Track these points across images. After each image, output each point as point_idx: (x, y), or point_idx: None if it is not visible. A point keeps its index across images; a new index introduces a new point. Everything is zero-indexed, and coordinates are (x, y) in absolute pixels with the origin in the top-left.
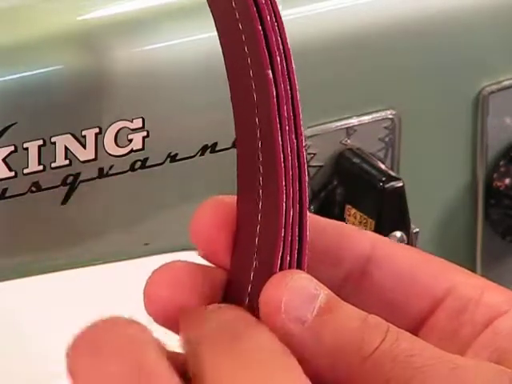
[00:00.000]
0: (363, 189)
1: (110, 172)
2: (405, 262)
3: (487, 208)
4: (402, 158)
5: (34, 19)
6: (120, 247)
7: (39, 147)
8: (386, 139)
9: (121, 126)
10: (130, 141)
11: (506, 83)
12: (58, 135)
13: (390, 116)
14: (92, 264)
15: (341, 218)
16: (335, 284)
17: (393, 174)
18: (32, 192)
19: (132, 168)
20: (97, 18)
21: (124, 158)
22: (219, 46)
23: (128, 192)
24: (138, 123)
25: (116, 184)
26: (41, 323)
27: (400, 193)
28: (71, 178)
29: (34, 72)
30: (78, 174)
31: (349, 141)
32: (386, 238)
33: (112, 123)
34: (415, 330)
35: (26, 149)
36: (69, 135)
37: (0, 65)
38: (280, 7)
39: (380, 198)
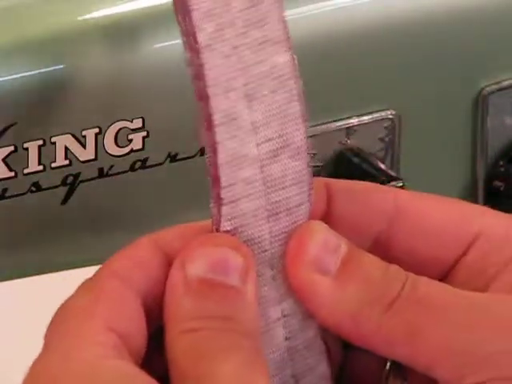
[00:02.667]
0: None
1: (110, 172)
2: (429, 214)
3: None
4: (402, 158)
5: (34, 19)
6: (120, 247)
7: (39, 147)
8: (386, 139)
9: (121, 126)
10: (130, 141)
11: (506, 83)
12: (57, 135)
13: (390, 116)
14: (92, 264)
15: None
16: (364, 248)
17: (393, 174)
18: (32, 192)
19: (132, 168)
20: (97, 18)
21: (124, 157)
22: None
23: (128, 192)
24: (137, 123)
25: (116, 184)
26: (41, 323)
27: None
28: (71, 178)
29: (34, 72)
30: (78, 174)
31: (349, 141)
32: (407, 192)
33: (112, 123)
34: (445, 275)
35: (26, 149)
36: (69, 135)
37: (0, 65)
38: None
39: None
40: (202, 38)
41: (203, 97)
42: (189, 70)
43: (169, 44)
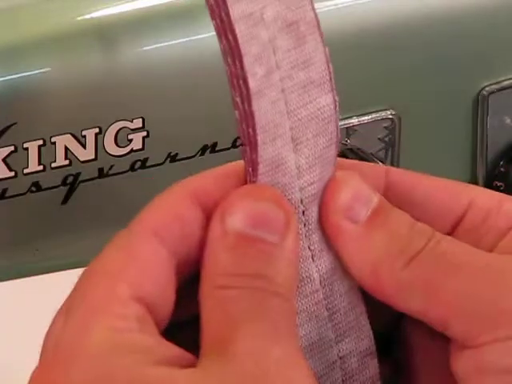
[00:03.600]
0: None
1: (110, 172)
2: (419, 187)
3: None
4: (401, 158)
5: (34, 19)
6: None
7: (39, 147)
8: (386, 139)
9: (121, 126)
10: (130, 141)
11: (506, 83)
12: (57, 135)
13: (390, 116)
14: None
15: None
16: None
17: None
18: (32, 192)
19: (132, 168)
20: (97, 18)
21: (124, 157)
22: (219, 46)
23: (128, 192)
24: (137, 123)
25: (116, 184)
26: (41, 323)
27: None
28: (71, 178)
29: (34, 72)
30: (78, 174)
31: (349, 141)
32: (397, 168)
33: (112, 123)
34: None
35: (26, 149)
36: (69, 135)
37: (0, 65)
38: None
39: None
40: (253, 83)
41: (250, 142)
42: (235, 113)
43: (169, 44)
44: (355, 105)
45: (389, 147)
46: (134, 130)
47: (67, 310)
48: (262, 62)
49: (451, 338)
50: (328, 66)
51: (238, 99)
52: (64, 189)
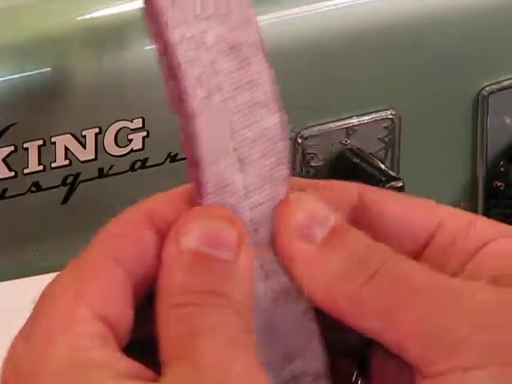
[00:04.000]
0: None
1: (110, 172)
2: (393, 205)
3: (487, 208)
4: (401, 158)
5: (34, 19)
6: None
7: (39, 147)
8: (386, 139)
9: (121, 126)
10: (130, 141)
11: (506, 83)
12: (57, 135)
13: (390, 116)
14: None
15: None
16: None
17: (393, 173)
18: (32, 192)
19: (132, 168)
20: (97, 18)
21: (124, 157)
22: None
23: (128, 192)
24: (137, 123)
25: (116, 184)
26: None
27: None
28: (71, 178)
29: (34, 72)
30: (78, 174)
31: (349, 141)
32: (372, 188)
33: (112, 123)
34: None
35: (26, 149)
36: (69, 135)
37: (0, 65)
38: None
39: None
40: (192, 105)
41: (195, 163)
42: (180, 135)
43: None
44: (355, 105)
45: (389, 147)
46: (134, 130)
47: (26, 335)
48: (203, 84)
49: (408, 362)
50: (273, 87)
51: (181, 121)
52: (64, 189)
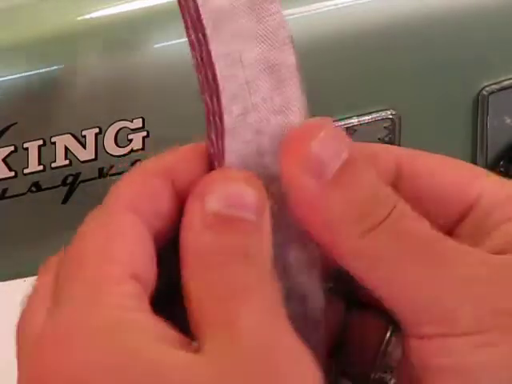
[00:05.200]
0: None
1: (110, 172)
2: (430, 176)
3: None
4: None
5: (34, 19)
6: None
7: (39, 147)
8: (386, 139)
9: (121, 126)
10: (130, 141)
11: (506, 83)
12: (58, 135)
13: (390, 116)
14: None
15: None
16: None
17: None
18: (32, 192)
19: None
20: (97, 17)
21: (124, 157)
22: None
23: None
24: (137, 123)
25: None
26: None
27: None
28: (71, 178)
29: (34, 72)
30: (78, 174)
31: None
32: (410, 152)
33: (112, 123)
34: (448, 234)
35: (26, 149)
36: (69, 135)
37: (0, 65)
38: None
39: None
40: (228, 120)
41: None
42: (209, 148)
43: (169, 44)
44: (355, 105)
45: None
46: (134, 130)
47: (60, 295)
48: (239, 101)
49: (398, 318)
50: (305, 112)
51: (213, 136)
52: (64, 189)
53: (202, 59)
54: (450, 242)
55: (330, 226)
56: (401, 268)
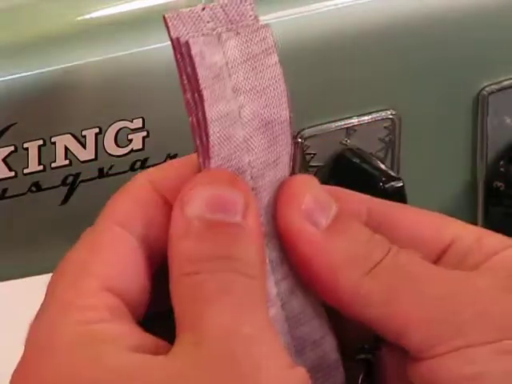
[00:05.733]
0: (363, 189)
1: (110, 172)
2: (401, 225)
3: (487, 208)
4: (402, 158)
5: (34, 19)
6: None
7: (39, 147)
8: (386, 139)
9: (121, 126)
10: (130, 141)
11: (506, 83)
12: (57, 135)
13: (390, 116)
14: None
15: None
16: None
17: (393, 173)
18: (32, 192)
19: (132, 168)
20: (97, 17)
21: (124, 157)
22: None
23: None
24: (138, 123)
25: (116, 184)
26: None
27: (400, 193)
28: (71, 178)
29: (34, 72)
30: (78, 174)
31: (349, 141)
32: (380, 201)
33: (112, 123)
34: None
35: (26, 149)
36: (69, 135)
37: (0, 65)
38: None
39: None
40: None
41: None
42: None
43: (168, 44)
44: (355, 105)
45: (389, 147)
46: (134, 130)
47: (41, 311)
48: (232, 164)
49: (407, 348)
50: (290, 166)
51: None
52: (64, 189)
53: (197, 122)
54: (450, 270)
55: (332, 269)
56: (407, 296)
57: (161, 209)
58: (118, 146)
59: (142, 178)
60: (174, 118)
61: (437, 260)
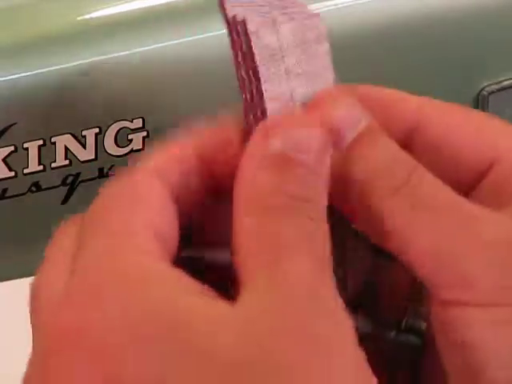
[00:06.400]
0: None
1: (110, 172)
2: (450, 132)
3: None
4: None
5: (34, 19)
6: None
7: (39, 147)
8: None
9: (121, 126)
10: (130, 141)
11: (506, 83)
12: (58, 135)
13: None
14: None
15: None
16: None
17: None
18: (32, 192)
19: None
20: (97, 17)
21: (124, 157)
22: (219, 46)
23: None
24: (137, 123)
25: None
26: None
27: None
28: (71, 178)
29: (34, 72)
30: (78, 174)
31: None
32: (432, 104)
33: (112, 123)
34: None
35: (26, 149)
36: (69, 135)
37: (0, 65)
38: None
39: None
40: None
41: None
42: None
43: (168, 44)
44: None
45: None
46: (134, 130)
47: (78, 256)
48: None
49: (420, 279)
50: None
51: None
52: (64, 189)
53: (251, 98)
54: (472, 205)
55: (350, 190)
56: (422, 226)
57: (197, 168)
58: (118, 145)
59: (183, 137)
60: (173, 117)
61: (480, 179)
